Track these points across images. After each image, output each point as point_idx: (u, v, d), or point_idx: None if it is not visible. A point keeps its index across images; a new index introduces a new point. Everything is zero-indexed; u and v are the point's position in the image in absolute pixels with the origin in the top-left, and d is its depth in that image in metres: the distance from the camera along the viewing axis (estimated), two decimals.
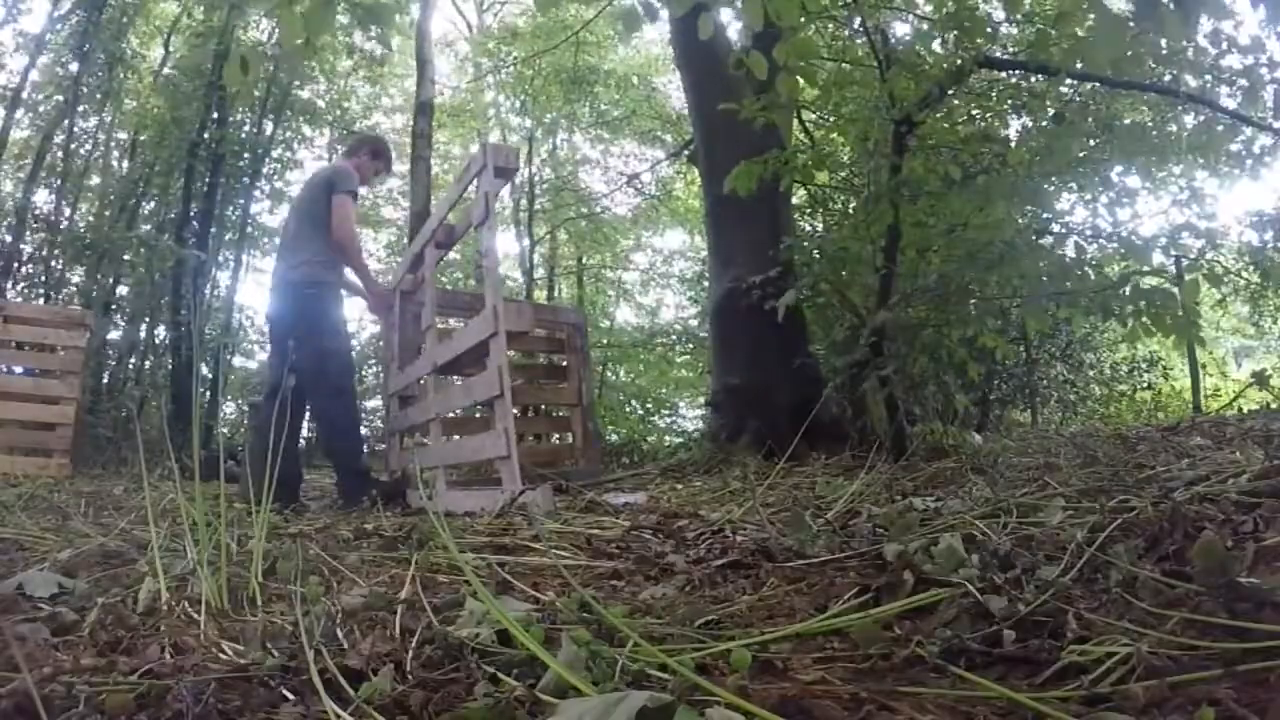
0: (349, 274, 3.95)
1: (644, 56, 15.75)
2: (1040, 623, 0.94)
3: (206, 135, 11.03)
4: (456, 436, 4.24)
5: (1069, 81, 4.84)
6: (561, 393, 5.12)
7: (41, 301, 9.30)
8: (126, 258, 10.17)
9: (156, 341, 10.95)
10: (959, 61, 3.37)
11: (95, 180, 11.49)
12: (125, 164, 11.82)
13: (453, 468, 3.82)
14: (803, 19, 2.45)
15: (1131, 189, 4.59)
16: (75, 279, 10.44)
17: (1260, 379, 4.01)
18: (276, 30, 9.27)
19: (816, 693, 0.80)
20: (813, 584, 1.30)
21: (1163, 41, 3.00)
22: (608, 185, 15.86)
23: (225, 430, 11.40)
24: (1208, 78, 4.95)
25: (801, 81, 2.69)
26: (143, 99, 11.61)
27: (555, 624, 1.03)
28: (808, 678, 0.85)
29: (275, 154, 12.68)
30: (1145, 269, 3.23)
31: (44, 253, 10.03)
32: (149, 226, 10.95)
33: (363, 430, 4.56)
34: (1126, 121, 6.15)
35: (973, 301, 3.91)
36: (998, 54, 4.47)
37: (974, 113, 4.32)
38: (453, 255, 10.31)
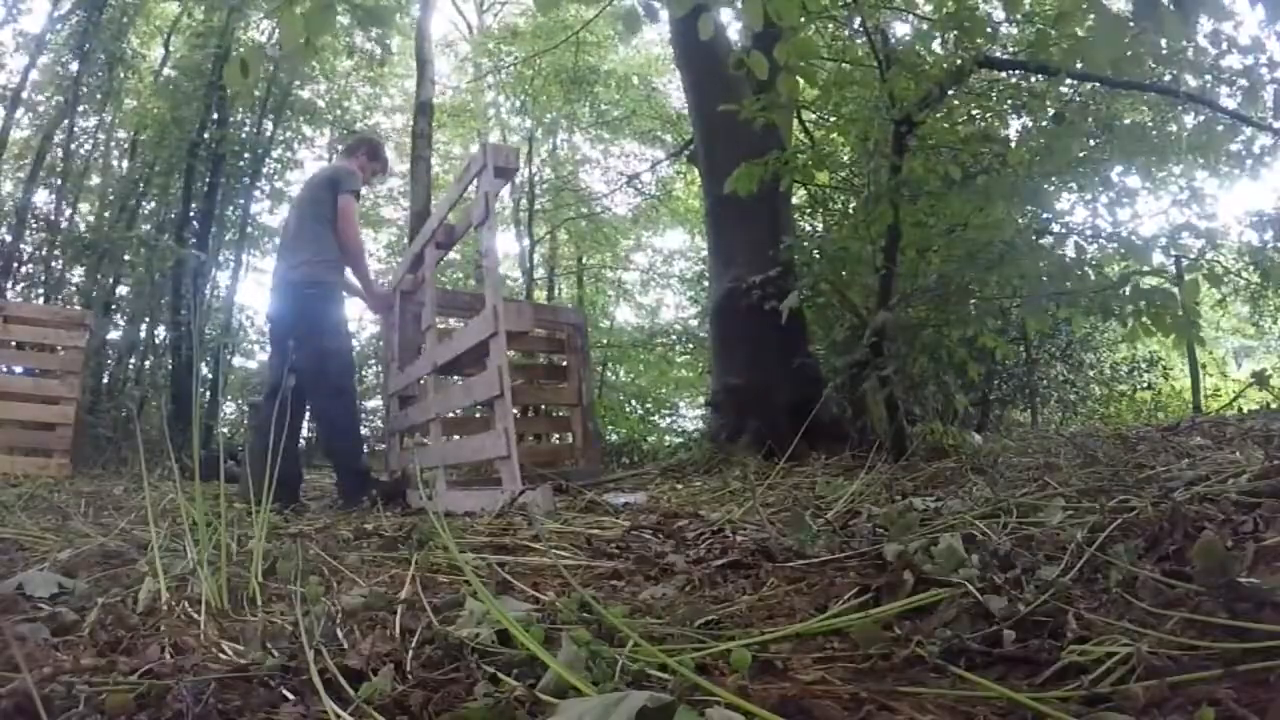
0: (349, 274, 3.96)
1: (644, 56, 15.75)
2: (1040, 623, 0.94)
3: (206, 135, 11.03)
4: (456, 436, 4.24)
5: (1069, 81, 4.85)
6: (561, 393, 5.12)
7: (41, 301, 9.30)
8: (126, 258, 10.17)
9: (156, 341, 10.95)
10: (959, 61, 3.37)
11: (95, 180, 11.49)
12: (125, 164, 11.82)
13: (453, 468, 3.82)
14: (803, 19, 2.45)
15: (1131, 189, 4.59)
16: (75, 279, 10.44)
17: (1260, 379, 4.01)
18: (277, 31, 9.27)
19: (816, 693, 0.80)
20: (813, 584, 1.30)
21: (1163, 41, 3.00)
22: (608, 185, 15.87)
23: (225, 430, 11.40)
24: (1208, 78, 4.95)
25: (801, 81, 2.69)
26: (143, 99, 11.61)
27: (555, 624, 1.03)
28: (808, 678, 0.85)
29: (275, 154, 12.68)
30: (1145, 269, 3.23)
31: (44, 253, 10.03)
32: (149, 226, 10.95)
33: (363, 430, 4.56)
34: (1126, 121, 6.15)
35: (973, 301, 3.91)
36: (998, 54, 4.47)
37: (974, 113, 4.32)
38: (453, 255, 10.31)
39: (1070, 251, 3.43)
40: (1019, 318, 4.96)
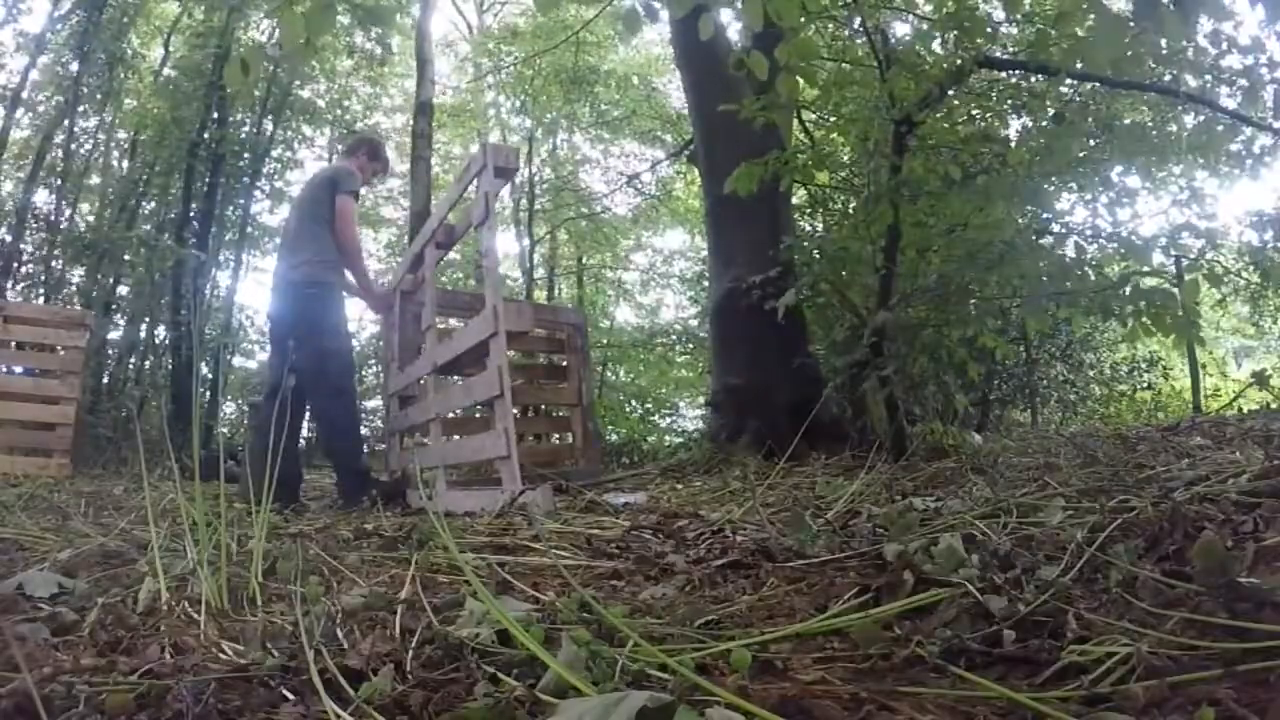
0: (349, 274, 3.96)
1: (644, 56, 15.75)
2: (1040, 623, 0.94)
3: (206, 135, 11.04)
4: (456, 436, 4.24)
5: (1069, 81, 4.84)
6: (561, 393, 5.12)
7: (41, 301, 9.30)
8: (126, 258, 10.17)
9: (156, 341, 10.95)
10: (959, 61, 3.36)
11: (95, 180, 11.49)
12: (125, 164, 11.83)
13: (453, 468, 3.82)
14: (803, 19, 2.45)
15: (1131, 189, 4.59)
16: (75, 279, 10.44)
17: (1260, 379, 4.01)
18: (277, 30, 9.28)
19: (816, 693, 0.80)
20: (813, 584, 1.30)
21: (1163, 41, 3.00)
22: (608, 185, 15.87)
23: (225, 430, 11.41)
24: (1208, 78, 4.95)
25: (801, 81, 2.68)
26: (143, 99, 11.61)
27: (555, 624, 1.03)
28: (808, 678, 0.85)
29: (275, 154, 12.69)
30: (1145, 269, 3.23)
31: (44, 253, 10.04)
32: (149, 226, 10.95)
33: (363, 430, 4.56)
34: (1126, 121, 6.15)
35: (973, 301, 3.91)
36: (998, 54, 4.47)
37: (974, 113, 4.32)
38: (453, 255, 10.31)
39: (1070, 251, 3.43)
40: (1019, 318, 4.96)
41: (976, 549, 1.26)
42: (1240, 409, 5.08)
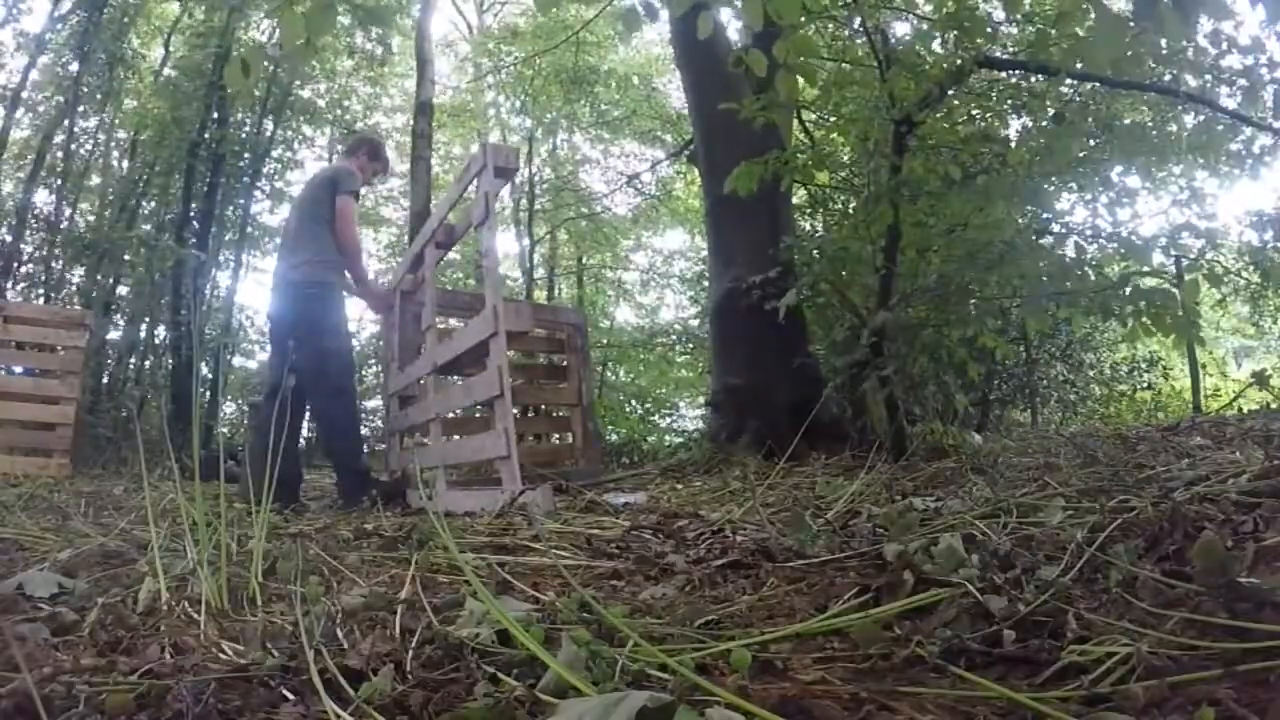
0: (348, 274, 3.96)
1: (644, 56, 15.75)
2: (1040, 623, 0.94)
3: (206, 135, 11.04)
4: (456, 436, 4.25)
5: (1069, 81, 4.84)
6: (561, 393, 5.12)
7: (41, 301, 9.30)
8: (126, 258, 10.17)
9: (156, 341, 10.95)
10: (959, 61, 3.36)
11: (95, 180, 11.50)
12: (125, 164, 11.83)
13: (453, 468, 3.82)
14: (803, 18, 2.45)
15: (1131, 189, 4.59)
16: (75, 279, 10.44)
17: (1260, 379, 4.01)
18: (277, 30, 9.28)
19: (816, 693, 0.80)
20: (813, 584, 1.30)
21: (1163, 41, 3.00)
22: (608, 185, 15.87)
23: (225, 430, 11.41)
24: (1208, 78, 4.95)
25: (801, 81, 2.68)
26: (143, 99, 11.61)
27: (555, 624, 1.03)
28: (808, 678, 0.85)
29: (275, 154, 12.69)
30: (1145, 269, 3.23)
31: (44, 253, 10.04)
32: (149, 226, 10.96)
33: (363, 430, 4.56)
34: (1126, 121, 6.15)
35: (973, 301, 3.91)
36: (998, 54, 4.47)
37: (974, 113, 4.32)
38: (453, 255, 10.31)
39: (1070, 251, 3.43)
40: (1019, 318, 4.96)
41: (976, 549, 1.26)
42: (1240, 409, 5.08)
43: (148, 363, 10.89)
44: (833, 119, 5.99)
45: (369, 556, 1.70)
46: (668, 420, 13.46)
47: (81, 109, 10.55)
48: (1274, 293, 9.15)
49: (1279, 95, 4.82)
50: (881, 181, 3.48)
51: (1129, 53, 2.56)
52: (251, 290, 21.56)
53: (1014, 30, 5.90)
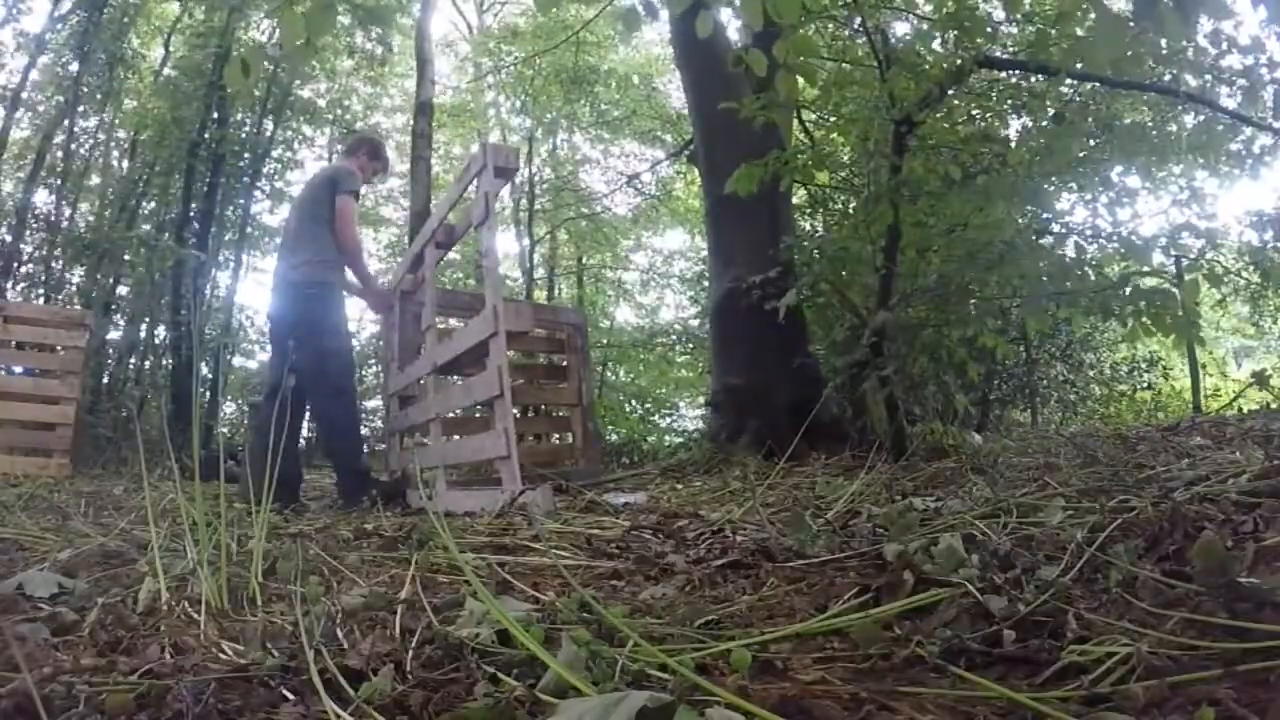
0: (350, 274, 3.96)
1: (644, 56, 15.75)
2: (1040, 623, 0.94)
3: (206, 135, 11.04)
4: (456, 436, 4.25)
5: (1069, 81, 4.84)
6: (561, 393, 5.12)
7: (41, 301, 9.30)
8: (126, 258, 10.17)
9: (156, 341, 10.95)
10: (959, 61, 3.36)
11: (95, 180, 11.49)
12: (125, 164, 11.83)
13: (453, 468, 3.82)
14: (803, 18, 2.45)
15: (1131, 189, 4.59)
16: (75, 279, 10.44)
17: (1260, 379, 4.01)
18: (277, 30, 9.28)
19: (816, 693, 0.80)
20: (813, 584, 1.30)
21: (1163, 41, 3.00)
22: (608, 185, 15.88)
23: (225, 430, 11.41)
24: (1208, 78, 4.95)
25: (801, 81, 2.68)
26: (143, 99, 11.61)
27: (555, 624, 1.03)
28: (808, 678, 0.85)
29: (275, 154, 12.69)
30: (1145, 269, 3.23)
31: (44, 253, 10.04)
32: (149, 226, 10.96)
33: (363, 430, 4.56)
34: (1126, 121, 6.15)
35: (973, 301, 3.91)
36: (998, 54, 4.47)
37: (974, 113, 4.32)
38: (453, 255, 10.31)
39: (1070, 251, 3.43)
40: (1019, 318, 4.96)
41: (976, 549, 1.26)
42: (1240, 409, 5.08)
43: (148, 363, 10.89)
44: (833, 119, 5.99)
45: (369, 556, 1.70)
46: (668, 420, 13.47)
47: (81, 109, 10.55)
48: (1274, 293, 9.15)
49: (1279, 95, 4.82)
50: (881, 181, 3.48)
51: (1129, 53, 2.56)
52: (251, 290, 21.57)
53: (1014, 30, 5.90)
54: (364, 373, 11.87)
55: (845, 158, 6.12)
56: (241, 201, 12.47)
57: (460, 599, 1.18)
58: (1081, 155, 4.17)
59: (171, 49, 12.14)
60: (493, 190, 3.01)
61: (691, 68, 5.64)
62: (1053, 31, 3.53)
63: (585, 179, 16.62)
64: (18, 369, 5.75)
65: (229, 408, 12.66)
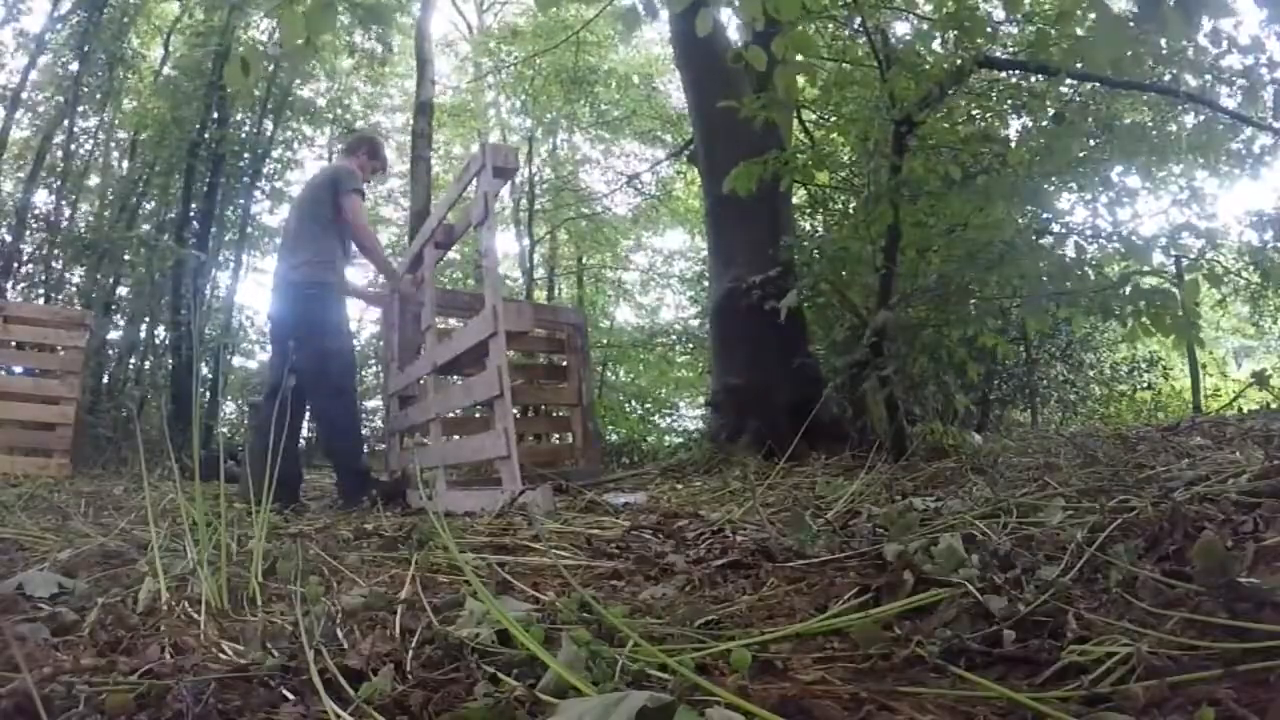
0: (349, 275, 3.96)
1: (644, 56, 15.75)
2: (1040, 623, 0.94)
3: (206, 135, 11.03)
4: (456, 436, 4.25)
5: (1069, 81, 4.84)
6: (561, 393, 5.12)
7: (41, 301, 9.30)
8: (126, 258, 10.17)
9: (156, 341, 10.95)
10: (959, 61, 3.36)
11: (95, 180, 11.49)
12: (125, 164, 11.83)
13: (453, 468, 3.82)
14: (802, 17, 2.44)
15: (1131, 189, 4.59)
16: (75, 279, 10.44)
17: (1260, 379, 4.01)
18: (277, 30, 9.28)
19: (816, 693, 0.80)
20: (813, 584, 1.30)
21: (1163, 41, 3.00)
22: (608, 185, 15.87)
23: (225, 430, 11.41)
24: (1208, 78, 4.96)
25: (801, 81, 2.68)
26: (143, 99, 11.61)
27: (555, 624, 1.03)
28: (808, 678, 0.85)
29: (275, 154, 12.69)
30: (1145, 269, 3.23)
31: (44, 253, 10.03)
32: (149, 226, 10.95)
33: (363, 430, 4.56)
34: (1126, 121, 6.15)
35: (973, 301, 3.91)
36: (998, 54, 4.47)
37: (974, 113, 4.32)
38: (453, 255, 10.31)
39: (1070, 251, 3.43)
40: (1019, 318, 4.96)
41: (976, 549, 1.26)
42: (1240, 409, 5.08)
43: (148, 363, 10.89)
44: (833, 119, 5.99)
45: (369, 556, 1.70)
46: (668, 420, 13.47)
47: (81, 109, 10.55)
48: (1274, 293, 9.15)
49: (1279, 95, 4.82)
50: (881, 181, 3.48)
51: (1129, 53, 2.56)
52: (251, 290, 21.53)
53: (1014, 30, 5.90)
54: (364, 373, 11.88)
55: (845, 158, 6.12)
56: (241, 201, 12.47)
57: (460, 599, 1.18)
58: (1081, 155, 4.17)
59: (171, 48, 12.14)
60: (492, 190, 3.01)
61: (691, 67, 5.64)
62: (1053, 31, 3.53)
63: (585, 179, 16.64)
64: (18, 369, 5.75)
65: (229, 408, 12.67)
